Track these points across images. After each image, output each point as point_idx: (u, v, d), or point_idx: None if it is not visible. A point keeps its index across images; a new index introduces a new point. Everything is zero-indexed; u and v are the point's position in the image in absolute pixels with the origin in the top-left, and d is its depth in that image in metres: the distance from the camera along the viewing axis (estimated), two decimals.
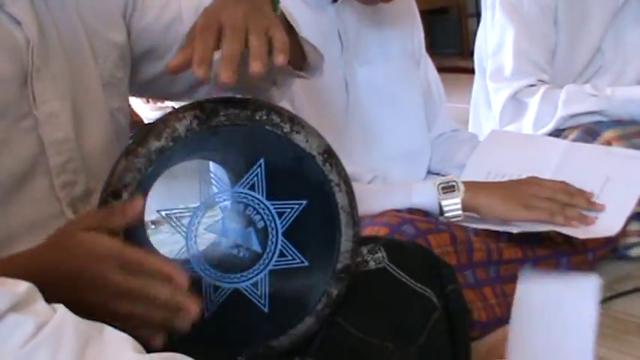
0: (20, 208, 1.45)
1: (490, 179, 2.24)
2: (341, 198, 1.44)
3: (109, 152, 1.57)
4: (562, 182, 2.19)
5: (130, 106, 1.74)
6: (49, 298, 1.09)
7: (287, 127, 1.42)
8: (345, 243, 1.45)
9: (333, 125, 2.17)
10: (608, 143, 2.45)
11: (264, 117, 1.41)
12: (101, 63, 1.62)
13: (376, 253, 1.62)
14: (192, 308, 1.23)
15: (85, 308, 1.16)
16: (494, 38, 2.73)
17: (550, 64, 2.71)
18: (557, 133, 2.58)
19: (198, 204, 1.39)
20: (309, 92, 2.12)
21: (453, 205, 2.07)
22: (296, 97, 2.07)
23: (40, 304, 1.08)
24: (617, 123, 2.56)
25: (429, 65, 2.49)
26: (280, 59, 1.35)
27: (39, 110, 1.48)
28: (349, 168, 1.92)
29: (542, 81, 2.67)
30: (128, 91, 1.72)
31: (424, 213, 2.07)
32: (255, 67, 1.31)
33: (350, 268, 1.45)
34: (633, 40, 2.83)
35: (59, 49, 1.54)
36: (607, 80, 2.76)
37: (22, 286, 1.07)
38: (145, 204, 1.33)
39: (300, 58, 1.67)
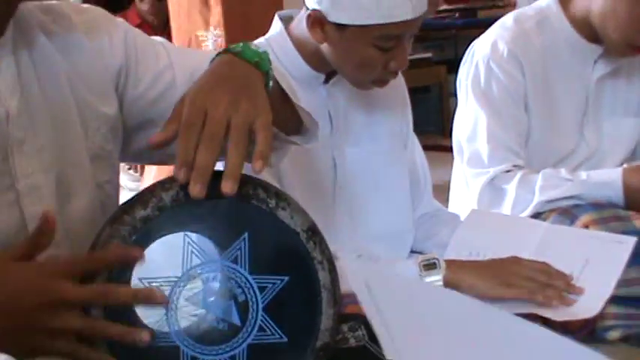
0: None
1: (471, 258, 2.23)
2: (323, 276, 1.45)
3: (95, 224, 1.52)
4: (542, 263, 2.18)
5: (118, 177, 1.72)
6: None
7: (273, 203, 1.43)
8: (326, 321, 1.44)
9: (320, 204, 2.17)
10: (586, 227, 2.44)
11: (251, 191, 1.42)
12: (91, 135, 1.61)
13: (357, 330, 1.63)
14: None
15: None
16: (468, 124, 2.74)
17: (524, 148, 2.73)
18: (535, 215, 2.58)
19: (180, 274, 1.38)
20: (297, 170, 2.12)
21: (434, 282, 2.05)
22: (284, 174, 2.08)
23: None
24: (595, 206, 2.55)
25: (415, 146, 2.49)
26: (258, 166, 1.34)
27: (20, 183, 1.48)
28: (334, 246, 1.92)
29: (517, 166, 2.68)
30: (118, 162, 1.71)
31: None
32: (226, 187, 1.32)
33: (329, 346, 1.44)
34: (610, 126, 2.86)
35: (47, 120, 1.53)
36: (592, 166, 2.79)
37: None
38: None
39: (295, 123, 1.66)
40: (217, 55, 1.52)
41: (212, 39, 5.07)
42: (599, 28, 2.67)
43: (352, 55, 2.14)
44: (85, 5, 1.80)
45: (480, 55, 2.73)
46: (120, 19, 1.72)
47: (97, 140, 1.61)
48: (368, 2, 2.05)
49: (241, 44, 1.52)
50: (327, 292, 1.45)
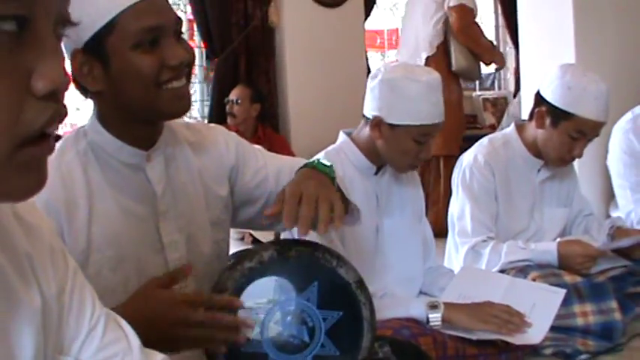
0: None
1: (460, 301, 2.18)
2: (365, 313, 1.46)
3: (212, 267, 1.57)
4: (506, 306, 2.16)
5: (229, 237, 1.71)
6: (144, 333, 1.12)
7: (334, 263, 1.46)
8: (366, 342, 1.45)
9: (366, 257, 2.17)
10: (534, 280, 2.44)
11: (320, 254, 1.46)
12: (211, 209, 1.60)
13: (384, 347, 1.66)
14: (249, 323, 1.36)
15: (169, 340, 1.28)
16: (458, 208, 2.72)
17: (494, 225, 2.70)
18: (501, 271, 2.56)
19: (272, 305, 1.41)
20: (354, 234, 2.10)
21: (435, 318, 2.03)
22: (345, 239, 2.07)
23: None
24: (540, 266, 2.55)
25: (425, 221, 2.47)
26: (337, 223, 1.38)
27: (164, 239, 1.49)
28: (373, 287, 1.90)
29: (490, 237, 2.66)
30: (229, 227, 1.69)
31: (416, 321, 2.03)
32: (321, 230, 1.36)
33: (368, 359, 1.45)
34: (549, 213, 2.82)
35: (183, 198, 1.54)
36: (538, 239, 2.76)
37: (159, 357, 1.07)
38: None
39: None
40: (300, 167, 1.55)
41: None
42: (541, 149, 2.70)
43: (399, 146, 2.15)
44: (212, 125, 1.85)
45: (466, 163, 2.73)
46: (233, 133, 1.73)
47: (215, 212, 1.61)
48: (414, 111, 2.09)
49: (315, 160, 1.56)
50: (367, 322, 1.45)
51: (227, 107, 4.81)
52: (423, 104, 2.11)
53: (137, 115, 1.42)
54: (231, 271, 1.42)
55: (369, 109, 2.18)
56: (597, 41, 3.80)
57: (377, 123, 2.14)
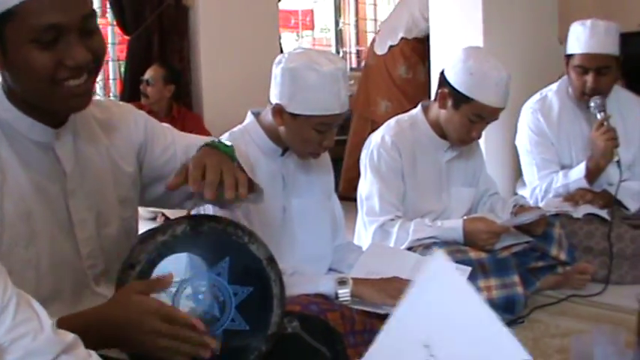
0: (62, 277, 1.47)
1: (369, 277, 2.21)
2: (275, 289, 1.48)
3: (121, 244, 1.57)
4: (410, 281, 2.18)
5: (137, 214, 1.71)
6: (110, 342, 1.23)
7: (246, 239, 1.47)
8: (275, 317, 1.47)
9: (273, 237, 2.13)
10: None
11: (232, 230, 1.46)
12: (119, 186, 1.61)
13: (292, 322, 1.64)
14: (212, 344, 1.36)
15: (136, 345, 1.33)
16: (366, 188, 2.77)
17: (402, 204, 2.75)
18: (409, 249, 2.62)
19: (181, 280, 1.41)
20: (259, 216, 2.12)
21: (344, 294, 2.06)
22: (251, 216, 2.07)
23: (81, 349, 1.14)
24: (446, 243, 2.62)
25: (335, 199, 2.48)
26: (242, 191, 1.43)
27: (73, 217, 1.49)
28: (282, 265, 1.92)
29: (398, 216, 2.71)
30: (137, 204, 1.70)
31: (325, 297, 2.05)
32: (228, 195, 1.40)
33: (277, 334, 1.48)
34: (456, 192, 2.90)
35: (92, 176, 1.54)
36: (445, 217, 2.83)
37: (70, 336, 1.12)
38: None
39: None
40: (201, 146, 1.57)
41: None
42: (444, 129, 2.77)
43: (300, 135, 2.14)
44: (121, 102, 1.88)
45: (374, 143, 2.79)
46: (142, 111, 1.74)
47: (122, 190, 1.61)
48: (314, 101, 2.07)
49: (216, 140, 1.59)
50: (276, 299, 1.47)
51: (141, 87, 4.75)
52: (323, 94, 2.08)
53: (35, 104, 1.40)
54: (144, 244, 1.42)
55: (272, 95, 2.16)
56: (505, 26, 3.91)
57: (278, 110, 2.12)
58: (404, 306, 1.41)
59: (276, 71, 2.13)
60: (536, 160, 3.42)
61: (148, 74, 4.74)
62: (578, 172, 3.28)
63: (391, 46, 5.02)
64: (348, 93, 2.15)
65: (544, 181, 3.36)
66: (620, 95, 3.46)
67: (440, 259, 1.46)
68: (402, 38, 4.97)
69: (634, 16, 6.51)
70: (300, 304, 1.88)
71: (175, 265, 1.42)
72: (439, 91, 2.74)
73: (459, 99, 2.67)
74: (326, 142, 2.16)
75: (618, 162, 3.14)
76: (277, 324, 1.47)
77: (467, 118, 2.67)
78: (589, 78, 3.25)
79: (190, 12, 5.17)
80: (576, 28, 3.33)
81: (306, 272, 2.18)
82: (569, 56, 3.34)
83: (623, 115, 3.36)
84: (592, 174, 3.26)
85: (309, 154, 2.21)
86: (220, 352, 1.40)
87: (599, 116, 3.21)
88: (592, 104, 3.23)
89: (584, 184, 3.26)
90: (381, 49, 5.16)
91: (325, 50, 2.23)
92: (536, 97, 3.51)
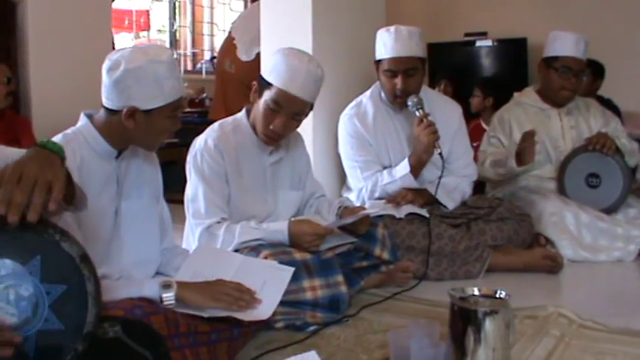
0: None
1: (195, 279, 2.23)
2: (90, 287, 1.45)
3: None
4: (237, 283, 2.24)
5: None
6: None
7: (58, 237, 1.44)
8: (90, 316, 1.45)
9: (100, 239, 2.16)
10: (266, 258, 2.53)
11: (41, 228, 1.42)
12: None
13: (114, 327, 1.62)
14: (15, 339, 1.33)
15: None
16: (192, 190, 2.79)
17: (227, 207, 2.79)
18: (235, 250, 2.64)
19: None
20: (91, 219, 2.07)
21: (169, 297, 2.06)
22: (83, 217, 1.99)
23: None
24: (272, 245, 2.66)
25: (164, 202, 2.49)
26: (52, 206, 1.39)
27: None
28: (105, 269, 1.92)
29: (224, 219, 2.74)
30: None
31: (150, 301, 2.04)
32: (31, 217, 1.35)
33: (92, 334, 1.46)
34: (282, 195, 2.96)
35: None
36: (272, 219, 2.88)
37: None
38: None
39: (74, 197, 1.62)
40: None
41: None
42: (254, 123, 2.83)
43: (156, 128, 2.17)
44: None
45: (198, 146, 2.81)
46: None
47: None
48: (166, 90, 2.13)
49: (46, 140, 1.53)
50: (91, 297, 1.45)
51: None
52: (171, 81, 2.14)
53: None
54: None
55: (116, 102, 2.13)
56: (334, 33, 4.02)
57: (131, 114, 2.12)
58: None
59: (116, 76, 2.10)
60: (359, 163, 3.57)
61: None
62: (403, 168, 3.45)
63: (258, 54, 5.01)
64: None
65: (369, 181, 3.52)
66: (429, 95, 3.68)
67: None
68: None
69: (460, 27, 6.87)
70: (124, 308, 1.86)
71: None
72: (253, 84, 2.81)
73: (263, 86, 2.74)
74: (175, 126, 2.22)
75: (441, 154, 3.35)
76: (93, 323, 1.45)
77: (267, 105, 2.72)
78: (398, 80, 3.45)
79: (18, 8, 4.97)
80: (382, 34, 3.53)
81: (132, 276, 2.17)
82: (379, 62, 3.54)
83: (435, 114, 3.54)
84: (416, 169, 3.45)
85: (158, 143, 2.25)
86: (34, 353, 1.38)
87: (417, 113, 3.40)
88: (410, 103, 3.42)
89: (410, 178, 3.43)
90: (247, 56, 5.17)
91: (144, 44, 2.25)
92: (352, 104, 3.70)
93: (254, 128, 2.84)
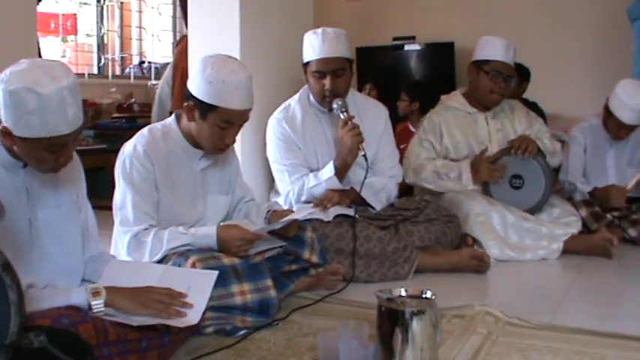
0: None
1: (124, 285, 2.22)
2: (13, 296, 1.46)
3: None
4: (167, 288, 2.24)
5: None
6: None
7: None
8: (13, 326, 1.45)
9: (19, 249, 2.10)
10: (194, 263, 2.52)
11: None
12: None
13: (39, 336, 1.60)
14: None
15: None
16: (120, 197, 2.75)
17: (156, 213, 2.76)
18: (164, 257, 2.65)
19: None
20: (4, 230, 2.04)
21: (98, 304, 2.05)
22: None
23: None
24: (200, 250, 2.64)
25: (88, 209, 2.44)
26: None
27: None
28: (30, 279, 1.89)
29: (153, 225, 2.72)
30: None
31: (78, 309, 2.02)
32: None
33: (15, 344, 1.46)
34: (212, 200, 2.94)
35: None
36: (201, 224, 2.86)
37: None
38: None
39: None
40: None
41: None
42: (197, 139, 2.80)
43: (32, 155, 2.08)
44: None
45: (127, 152, 2.76)
46: None
47: None
48: (38, 124, 1.98)
49: None
50: (14, 306, 1.45)
51: None
52: (47, 117, 1.99)
53: None
54: None
55: None
56: (262, 37, 4.04)
57: (6, 133, 2.03)
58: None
59: None
60: (287, 166, 3.60)
61: None
62: (328, 170, 3.50)
63: None
64: (78, 110, 2.07)
65: (296, 185, 3.55)
66: (356, 97, 3.76)
67: None
68: None
69: (389, 31, 6.94)
70: (50, 317, 1.84)
71: None
72: (185, 104, 2.74)
73: (204, 109, 2.68)
74: (62, 158, 2.11)
75: (365, 156, 3.40)
76: (16, 333, 1.44)
77: (216, 126, 2.69)
78: (327, 81, 3.51)
79: None
80: (309, 36, 3.58)
81: (58, 285, 2.14)
82: (307, 64, 3.59)
83: (361, 116, 3.60)
84: (341, 171, 3.50)
85: (47, 170, 2.15)
86: None
87: (342, 116, 3.46)
88: (335, 106, 3.48)
89: (336, 181, 3.47)
90: None
91: (54, 63, 2.13)
92: (281, 107, 3.72)
93: (185, 135, 2.81)
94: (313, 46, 3.55)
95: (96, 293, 2.05)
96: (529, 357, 2.30)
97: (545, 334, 2.53)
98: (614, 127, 4.34)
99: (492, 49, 4.05)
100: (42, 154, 2.06)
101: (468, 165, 3.98)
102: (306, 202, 3.52)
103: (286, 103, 3.74)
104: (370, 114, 3.73)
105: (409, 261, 3.34)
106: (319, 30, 3.57)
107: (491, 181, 3.97)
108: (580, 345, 2.40)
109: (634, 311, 2.91)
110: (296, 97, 3.73)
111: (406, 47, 6.86)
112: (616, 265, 3.74)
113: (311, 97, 3.67)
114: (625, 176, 4.41)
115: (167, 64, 6.62)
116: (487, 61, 4.05)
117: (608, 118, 4.35)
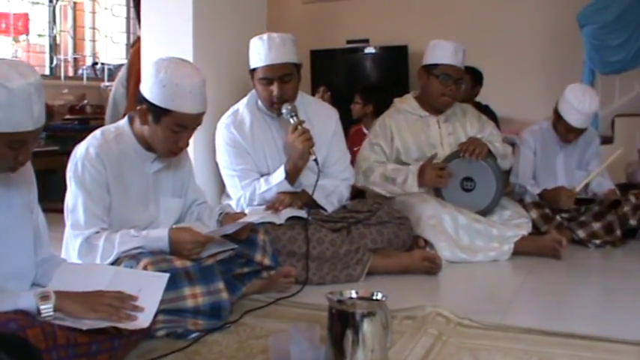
0: None
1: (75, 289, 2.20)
2: None
3: None
4: (118, 292, 2.23)
5: None
6: None
7: None
8: None
9: None
10: (146, 266, 2.51)
11: None
12: None
13: None
14: None
15: None
16: (71, 201, 2.73)
17: (107, 217, 2.74)
18: (116, 260, 2.63)
19: None
20: None
21: (47, 309, 2.03)
22: None
23: None
24: (152, 253, 2.64)
25: (40, 212, 2.41)
26: None
27: None
28: None
29: (104, 229, 2.70)
30: None
31: (26, 313, 2.00)
32: None
33: None
34: (165, 203, 2.94)
35: None
36: (154, 227, 2.85)
37: None
38: None
39: None
40: None
41: None
42: (150, 142, 2.78)
43: None
44: None
45: (79, 155, 2.74)
46: None
47: None
48: (3, 119, 1.96)
49: None
50: None
51: None
52: (13, 111, 1.97)
53: None
54: None
55: None
56: (215, 40, 4.03)
57: None
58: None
59: None
60: (237, 172, 3.60)
61: None
62: (279, 175, 3.51)
63: None
64: (42, 108, 2.07)
65: (247, 190, 3.55)
66: (305, 101, 3.76)
67: None
68: None
69: (342, 34, 6.99)
70: None
71: None
72: (138, 108, 2.73)
73: (158, 113, 2.67)
74: (20, 157, 2.09)
75: (316, 160, 3.41)
76: None
77: (170, 129, 2.68)
78: (274, 87, 3.50)
79: None
80: (255, 43, 3.58)
81: (7, 289, 2.12)
82: (253, 70, 3.58)
83: (311, 120, 3.62)
84: (292, 175, 3.51)
85: (4, 169, 2.12)
86: None
87: (292, 121, 3.46)
88: (284, 110, 3.49)
89: (286, 185, 3.49)
90: None
91: (19, 61, 2.11)
92: (229, 112, 3.72)
93: (138, 137, 2.80)
94: (259, 53, 3.54)
95: (45, 297, 2.04)
96: (479, 357, 2.33)
97: (496, 334, 2.57)
98: (563, 130, 4.43)
99: (441, 52, 4.10)
100: (2, 150, 2.03)
101: (417, 170, 4.02)
102: (258, 205, 3.52)
103: (234, 107, 3.73)
104: (320, 117, 3.74)
105: (361, 263, 3.37)
106: (265, 36, 3.56)
107: (436, 186, 4.02)
108: (529, 344, 2.45)
109: (582, 311, 2.97)
110: (244, 101, 3.72)
111: (360, 50, 6.91)
112: (565, 266, 3.81)
113: (259, 102, 3.67)
114: (574, 179, 4.51)
115: (121, 65, 6.59)
116: (436, 65, 4.10)
117: (558, 121, 4.44)
